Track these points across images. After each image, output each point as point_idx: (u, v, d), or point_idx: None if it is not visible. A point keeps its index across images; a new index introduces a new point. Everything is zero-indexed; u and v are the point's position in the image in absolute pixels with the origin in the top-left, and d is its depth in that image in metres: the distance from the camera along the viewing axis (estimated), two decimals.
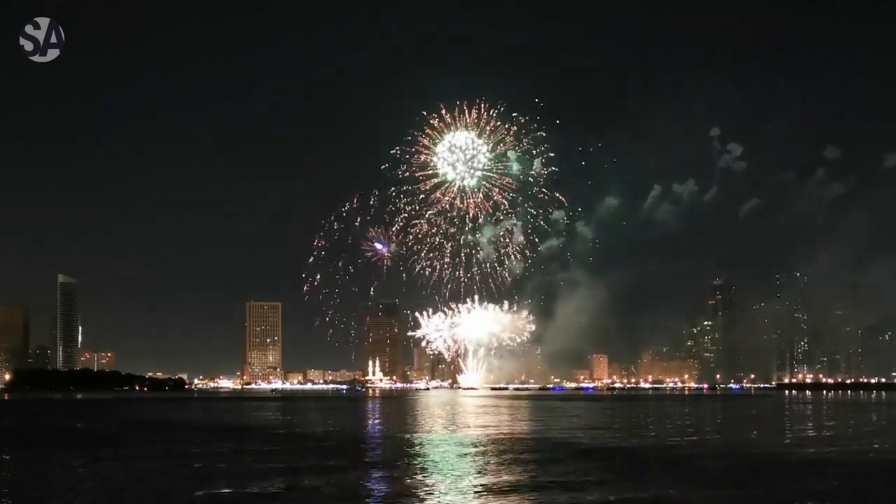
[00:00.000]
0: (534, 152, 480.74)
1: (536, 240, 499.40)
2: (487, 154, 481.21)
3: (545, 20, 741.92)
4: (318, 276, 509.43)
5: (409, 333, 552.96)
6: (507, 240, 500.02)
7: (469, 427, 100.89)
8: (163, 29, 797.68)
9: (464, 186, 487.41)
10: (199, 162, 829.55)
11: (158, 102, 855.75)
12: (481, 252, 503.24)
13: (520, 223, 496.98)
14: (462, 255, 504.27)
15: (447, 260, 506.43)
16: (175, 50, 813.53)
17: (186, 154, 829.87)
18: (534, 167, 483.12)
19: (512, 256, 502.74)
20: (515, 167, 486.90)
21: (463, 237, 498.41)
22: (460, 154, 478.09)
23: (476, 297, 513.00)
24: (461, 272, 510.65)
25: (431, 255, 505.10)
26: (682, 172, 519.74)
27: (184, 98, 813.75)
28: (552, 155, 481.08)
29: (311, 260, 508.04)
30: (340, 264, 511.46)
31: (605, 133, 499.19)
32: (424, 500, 40.56)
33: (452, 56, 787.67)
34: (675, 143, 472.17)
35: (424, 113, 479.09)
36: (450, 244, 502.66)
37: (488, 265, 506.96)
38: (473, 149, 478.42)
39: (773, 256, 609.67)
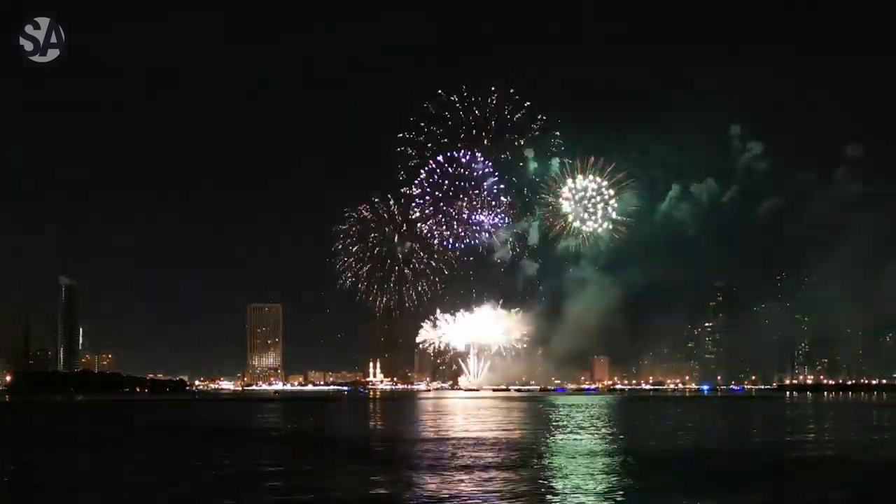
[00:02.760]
0: (553, 150, 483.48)
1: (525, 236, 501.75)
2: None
3: (566, 17, 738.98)
4: (321, 278, 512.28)
5: (419, 334, 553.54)
6: (522, 240, 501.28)
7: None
8: (164, 28, 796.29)
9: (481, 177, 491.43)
10: (200, 162, 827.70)
11: (159, 102, 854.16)
12: (495, 252, 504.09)
13: (535, 223, 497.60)
14: (472, 256, 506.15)
15: (455, 261, 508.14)
16: (176, 49, 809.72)
17: (187, 154, 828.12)
18: (551, 166, 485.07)
19: (525, 257, 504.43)
20: (532, 166, 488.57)
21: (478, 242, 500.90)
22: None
23: (484, 298, 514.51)
24: (471, 273, 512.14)
25: (438, 255, 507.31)
26: (701, 172, 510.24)
27: (184, 98, 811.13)
28: (569, 161, 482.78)
29: (313, 262, 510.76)
30: (342, 267, 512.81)
31: (625, 132, 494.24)
32: None
33: (475, 56, 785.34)
34: (694, 142, 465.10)
35: (431, 110, 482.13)
36: (460, 244, 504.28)
37: (487, 264, 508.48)
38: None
39: (781, 257, 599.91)
